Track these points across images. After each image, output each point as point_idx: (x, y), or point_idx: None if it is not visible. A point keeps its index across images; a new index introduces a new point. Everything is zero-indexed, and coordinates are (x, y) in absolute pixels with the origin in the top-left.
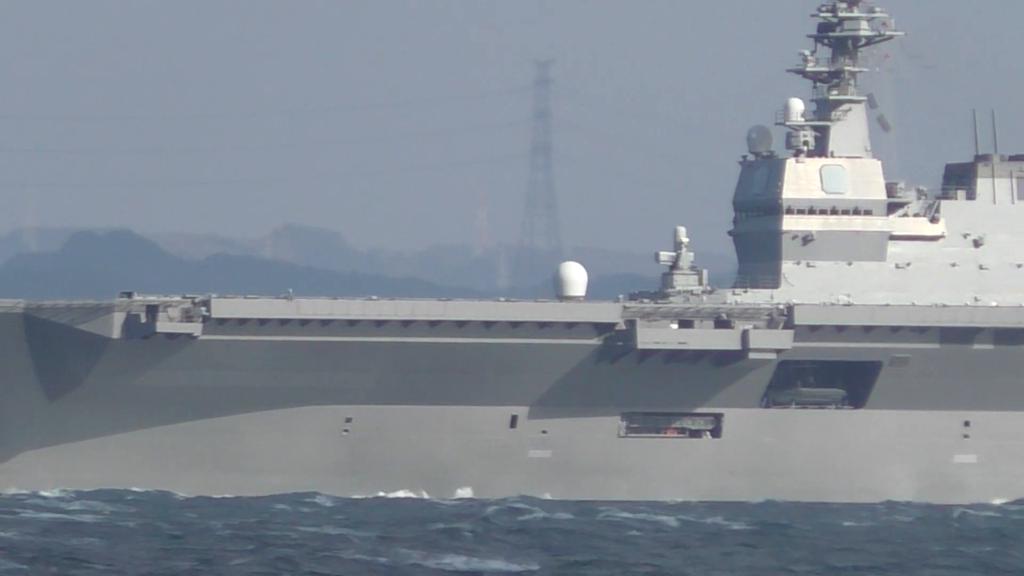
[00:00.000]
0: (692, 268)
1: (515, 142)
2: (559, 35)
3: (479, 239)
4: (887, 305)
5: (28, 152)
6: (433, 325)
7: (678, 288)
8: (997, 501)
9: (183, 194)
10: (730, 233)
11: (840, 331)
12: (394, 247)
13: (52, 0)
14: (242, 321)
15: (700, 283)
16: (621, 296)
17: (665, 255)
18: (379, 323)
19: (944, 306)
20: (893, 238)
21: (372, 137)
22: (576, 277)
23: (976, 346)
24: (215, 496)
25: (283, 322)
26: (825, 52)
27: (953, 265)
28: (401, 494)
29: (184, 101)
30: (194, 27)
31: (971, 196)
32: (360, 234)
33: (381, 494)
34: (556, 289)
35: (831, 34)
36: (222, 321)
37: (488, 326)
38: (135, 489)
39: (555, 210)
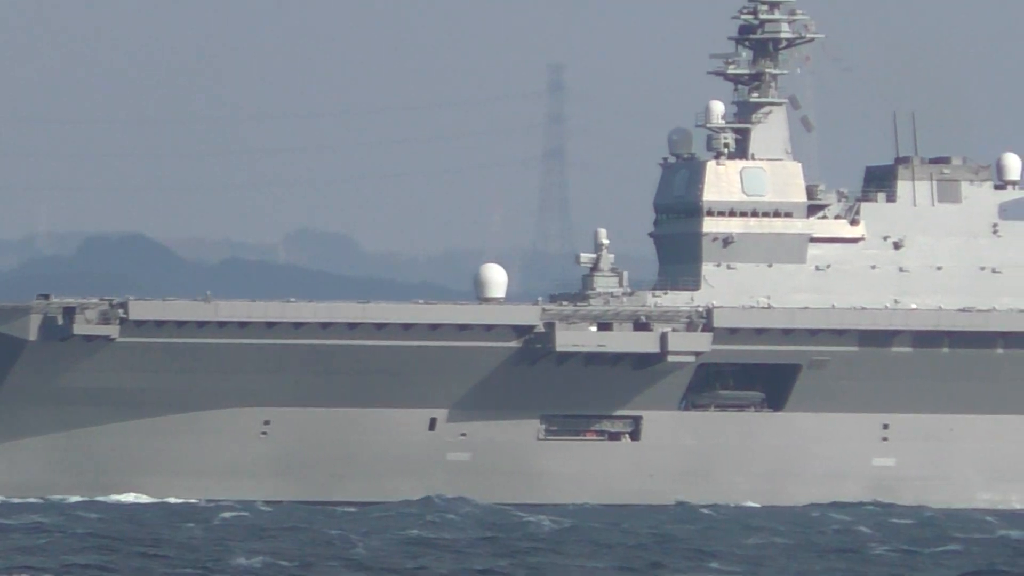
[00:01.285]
0: (613, 270)
1: (529, 146)
2: (572, 39)
3: (492, 243)
4: (806, 308)
5: (41, 156)
6: (352, 327)
7: (598, 290)
8: (915, 503)
9: (196, 199)
10: (651, 235)
11: (759, 334)
12: (408, 251)
13: (66, 4)
14: (160, 323)
15: (620, 285)
16: (540, 299)
17: (585, 257)
18: (297, 325)
19: (863, 309)
20: (813, 240)
21: (385, 141)
22: (496, 278)
23: (895, 349)
24: (128, 500)
25: (201, 324)
26: (746, 54)
27: (873, 267)
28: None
29: (197, 105)
30: (208, 31)
31: (891, 198)
32: (373, 238)
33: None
34: (476, 291)
35: (752, 36)
36: (140, 323)
37: (407, 328)
38: (51, 496)
39: (568, 214)
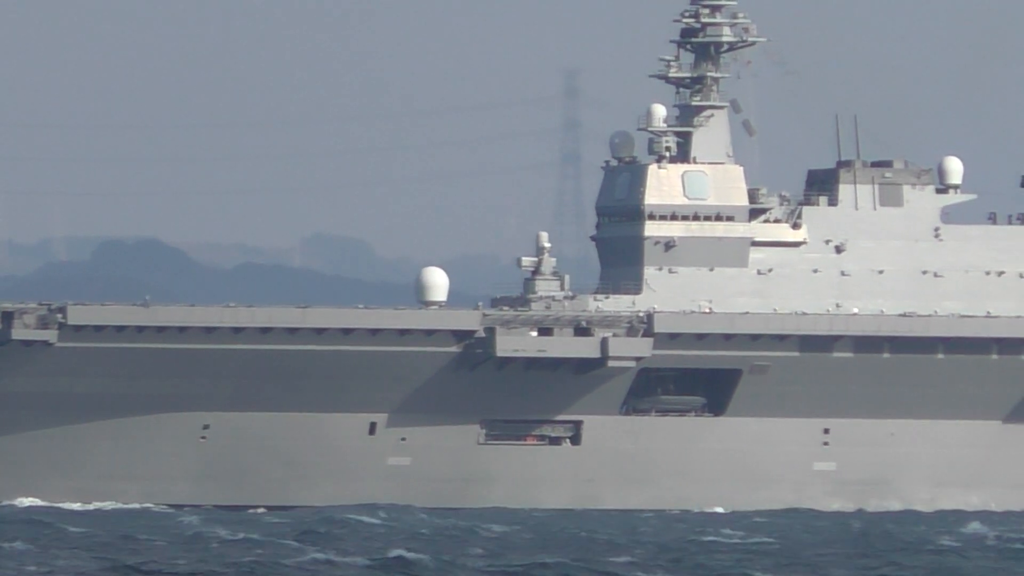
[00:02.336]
0: (554, 273)
1: (544, 151)
2: (587, 45)
3: (507, 248)
4: (747, 313)
5: (57, 161)
6: (292, 332)
7: (540, 293)
8: (856, 508)
9: (212, 203)
10: (593, 238)
11: (700, 339)
12: (422, 256)
13: (81, 10)
14: (99, 328)
15: (562, 288)
16: (480, 304)
17: (527, 260)
18: (237, 330)
19: (804, 314)
20: (755, 244)
21: (400, 146)
22: (438, 282)
23: (836, 354)
24: (68, 505)
25: (140, 329)
26: (688, 58)
27: (815, 271)
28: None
29: (213, 110)
30: (224, 36)
31: (833, 202)
32: (388, 243)
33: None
34: (417, 294)
35: (694, 40)
36: (78, 328)
37: (347, 333)
38: None
39: (584, 219)
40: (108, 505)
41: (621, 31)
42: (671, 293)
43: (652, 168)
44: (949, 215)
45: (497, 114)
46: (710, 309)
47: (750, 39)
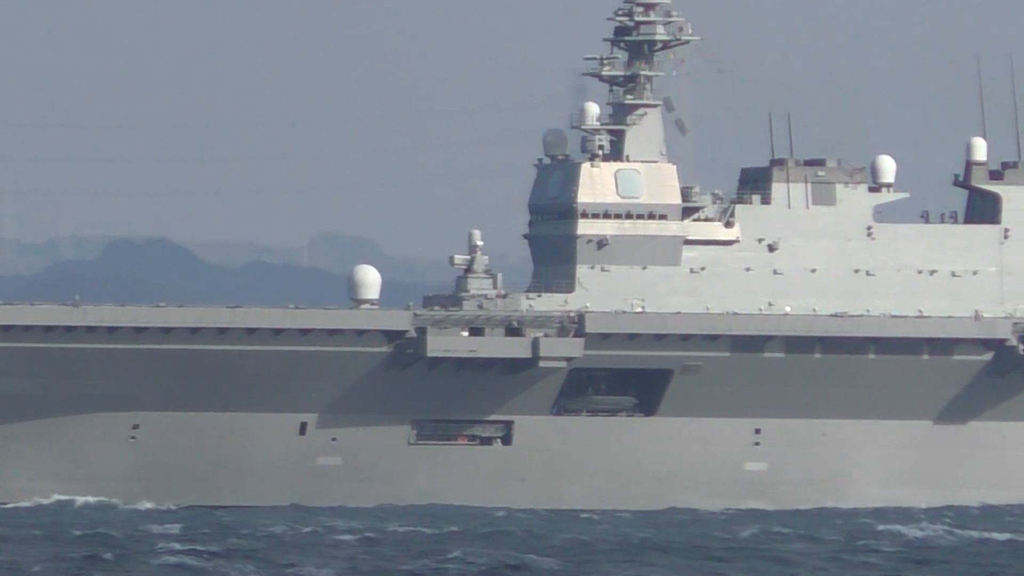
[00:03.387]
0: (487, 272)
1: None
2: (595, 44)
3: (515, 248)
4: (678, 313)
5: (65, 161)
6: (222, 332)
7: (472, 292)
8: (789, 507)
9: (220, 202)
10: (525, 236)
11: (631, 339)
12: (431, 255)
13: (90, 9)
14: (27, 328)
15: (494, 287)
16: (411, 304)
17: (459, 258)
18: (166, 330)
19: (735, 314)
20: (688, 242)
21: (409, 146)
22: (370, 279)
23: (767, 354)
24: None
25: (69, 329)
26: (621, 56)
27: (748, 270)
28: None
29: (221, 110)
30: (233, 35)
31: (766, 201)
32: (397, 243)
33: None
34: (350, 292)
35: (627, 38)
36: (7, 328)
37: (277, 333)
38: None
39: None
40: (40, 503)
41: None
42: (603, 292)
43: (585, 166)
44: (882, 214)
45: (508, 115)
46: (642, 308)
47: (684, 37)
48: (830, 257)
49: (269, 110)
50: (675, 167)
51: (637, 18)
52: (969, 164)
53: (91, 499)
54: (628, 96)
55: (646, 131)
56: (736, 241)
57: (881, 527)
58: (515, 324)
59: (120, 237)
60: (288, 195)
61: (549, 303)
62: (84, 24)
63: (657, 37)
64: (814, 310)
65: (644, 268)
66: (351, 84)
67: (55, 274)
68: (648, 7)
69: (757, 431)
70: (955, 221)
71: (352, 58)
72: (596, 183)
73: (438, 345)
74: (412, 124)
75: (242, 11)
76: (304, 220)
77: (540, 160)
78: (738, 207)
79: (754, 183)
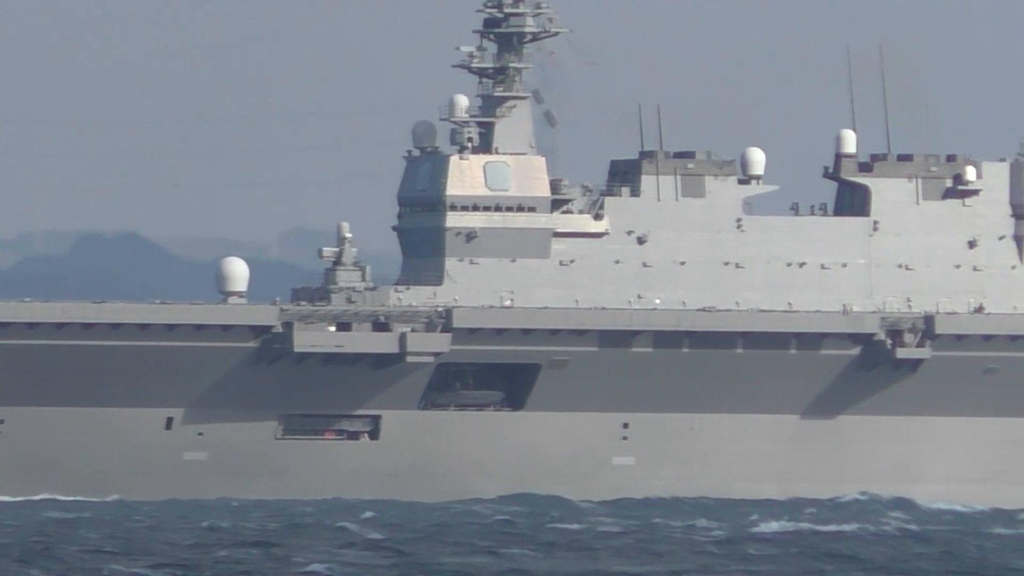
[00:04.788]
0: (355, 264)
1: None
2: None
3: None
4: (546, 308)
5: (36, 155)
6: (87, 328)
7: (341, 285)
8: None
9: (190, 197)
10: (394, 228)
11: (499, 333)
12: (399, 249)
13: (60, 5)
14: None
15: (363, 279)
16: (278, 299)
17: (328, 251)
18: (32, 325)
19: (604, 309)
20: (557, 235)
21: (379, 141)
22: (237, 272)
23: (635, 348)
24: None
25: None
26: (491, 48)
27: (617, 262)
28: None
29: (192, 104)
30: (202, 30)
31: (636, 193)
32: (368, 237)
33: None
34: (217, 284)
35: (497, 30)
36: None
37: (143, 328)
38: None
39: None
40: None
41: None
42: (472, 284)
43: (454, 159)
44: (752, 206)
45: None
46: (512, 301)
47: (553, 29)
48: (699, 249)
49: (239, 105)
50: (544, 159)
51: (507, 10)
52: (839, 156)
53: None
54: (497, 88)
55: (515, 123)
56: (605, 234)
57: (740, 521)
58: (382, 319)
59: (91, 232)
60: (258, 190)
61: (418, 296)
62: (57, 19)
63: (526, 29)
64: (684, 303)
65: (513, 261)
66: (321, 79)
67: (26, 268)
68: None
69: (625, 425)
70: (825, 213)
71: (322, 53)
72: (465, 175)
73: (305, 340)
74: (383, 119)
75: (213, 7)
76: (274, 215)
77: (409, 152)
78: (607, 199)
79: (624, 175)
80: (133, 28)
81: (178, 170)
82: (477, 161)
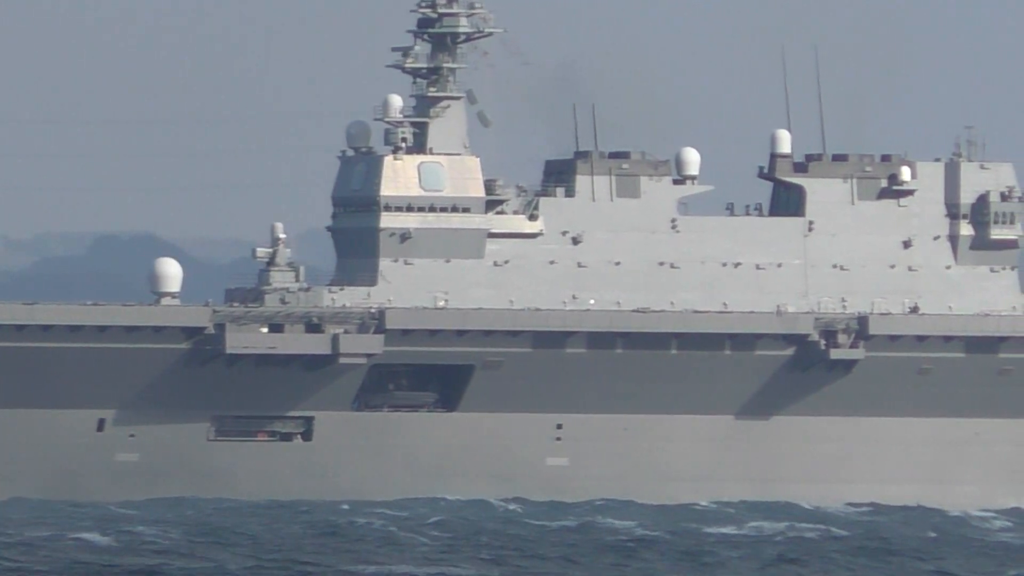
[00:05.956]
0: (289, 265)
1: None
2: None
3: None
4: (480, 309)
5: (52, 157)
6: (19, 329)
7: (274, 285)
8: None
9: (207, 198)
10: (328, 228)
11: (432, 335)
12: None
13: (78, 5)
14: None
15: (297, 280)
16: (211, 300)
17: (262, 251)
18: None
19: (537, 310)
20: (492, 236)
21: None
22: (171, 272)
23: (569, 349)
24: None
25: None
26: (425, 48)
27: (552, 263)
28: None
29: (210, 105)
30: (218, 31)
31: (570, 193)
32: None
33: None
34: (150, 285)
35: (431, 30)
36: None
37: (75, 330)
38: None
39: None
40: None
41: (616, 25)
42: (407, 285)
43: (388, 159)
44: (687, 206)
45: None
46: (446, 301)
47: (487, 30)
48: (634, 250)
49: (257, 106)
50: (479, 160)
51: (440, 10)
52: (774, 156)
53: None
54: (431, 88)
55: (449, 124)
56: (540, 234)
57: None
58: (315, 320)
59: (107, 233)
60: (275, 190)
61: (352, 296)
62: (72, 19)
63: (460, 29)
64: (618, 303)
65: (447, 261)
66: (334, 79)
67: (43, 270)
68: None
69: (559, 426)
70: (760, 213)
71: (338, 53)
72: (399, 176)
73: (237, 342)
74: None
75: (232, 5)
76: (292, 215)
77: (343, 152)
78: (542, 200)
79: (558, 175)
80: (152, 28)
81: (195, 171)
82: (411, 161)
